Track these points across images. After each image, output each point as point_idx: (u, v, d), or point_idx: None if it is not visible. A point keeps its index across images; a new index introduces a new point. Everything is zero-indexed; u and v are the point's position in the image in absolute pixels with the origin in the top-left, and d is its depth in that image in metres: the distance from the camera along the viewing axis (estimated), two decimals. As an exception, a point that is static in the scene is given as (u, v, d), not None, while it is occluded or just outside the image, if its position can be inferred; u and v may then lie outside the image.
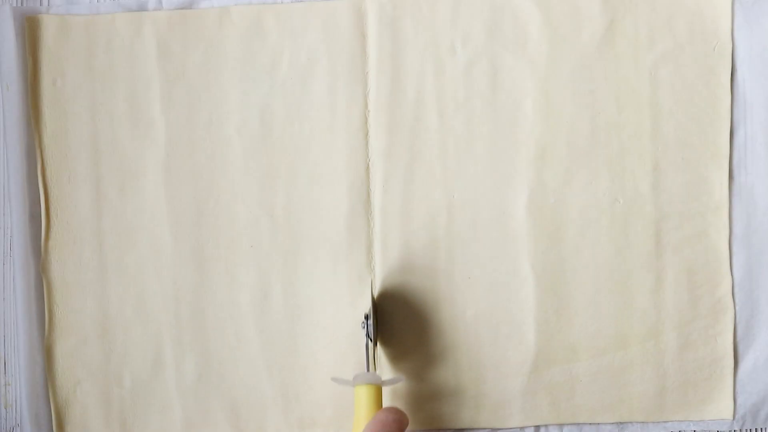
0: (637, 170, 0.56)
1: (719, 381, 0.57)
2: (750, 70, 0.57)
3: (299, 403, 0.57)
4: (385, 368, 0.57)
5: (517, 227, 0.56)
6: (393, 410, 0.50)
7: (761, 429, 0.58)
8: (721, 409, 0.57)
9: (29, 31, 0.57)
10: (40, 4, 0.58)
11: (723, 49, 0.57)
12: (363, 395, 0.52)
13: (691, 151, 0.56)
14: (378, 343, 0.57)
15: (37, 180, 0.57)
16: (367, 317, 0.54)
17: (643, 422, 0.57)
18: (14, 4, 0.58)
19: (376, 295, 0.56)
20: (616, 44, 0.56)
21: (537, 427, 0.57)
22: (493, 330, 0.57)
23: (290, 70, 0.57)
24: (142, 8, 0.57)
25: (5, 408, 0.57)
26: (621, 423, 0.57)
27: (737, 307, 0.57)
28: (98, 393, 0.57)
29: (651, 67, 0.56)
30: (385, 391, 0.56)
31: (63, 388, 0.57)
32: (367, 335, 0.53)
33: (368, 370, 0.53)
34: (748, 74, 0.57)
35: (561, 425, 0.57)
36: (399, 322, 0.57)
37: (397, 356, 0.57)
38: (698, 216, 0.56)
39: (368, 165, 0.57)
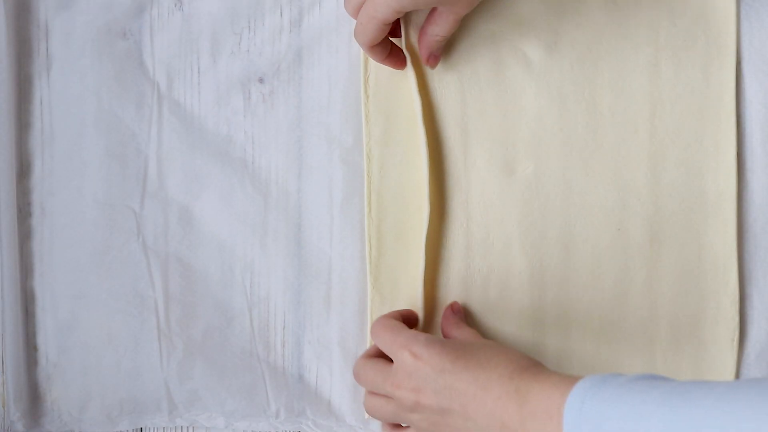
0: (636, 164, 0.56)
1: (716, 377, 0.56)
2: (750, 66, 0.57)
3: None
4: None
5: (508, 213, 0.56)
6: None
7: (750, 425, 0.58)
8: None
9: None
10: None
11: (726, 44, 0.56)
12: None
13: (710, 147, 0.56)
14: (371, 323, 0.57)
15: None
16: None
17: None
18: None
19: (370, 279, 0.57)
20: (643, 34, 0.56)
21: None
22: (500, 309, 0.56)
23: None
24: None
25: (3, 407, 0.57)
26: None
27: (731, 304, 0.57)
28: None
29: (652, 60, 0.56)
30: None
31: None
32: None
33: None
34: (747, 71, 0.57)
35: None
36: (393, 305, 0.57)
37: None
38: (713, 211, 0.56)
39: (366, 151, 0.57)
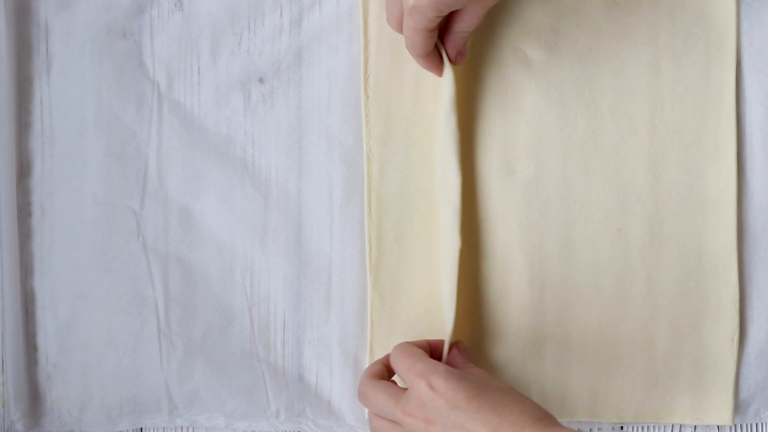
0: (636, 164, 0.56)
1: (716, 377, 0.56)
2: (749, 66, 0.57)
3: None
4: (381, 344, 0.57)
5: (508, 213, 0.56)
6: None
7: (750, 425, 0.58)
8: (720, 405, 0.56)
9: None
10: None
11: (726, 44, 0.56)
12: None
13: (710, 147, 0.56)
14: (374, 323, 0.57)
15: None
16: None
17: (635, 420, 0.57)
18: None
19: (370, 279, 0.56)
20: (643, 33, 0.56)
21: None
22: (501, 310, 0.56)
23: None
24: None
25: (3, 407, 0.57)
26: (613, 422, 0.57)
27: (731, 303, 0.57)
28: None
29: (676, 58, 0.56)
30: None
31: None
32: None
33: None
34: (747, 71, 0.57)
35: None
36: (393, 306, 0.57)
37: (389, 331, 0.56)
38: (712, 211, 0.56)
39: (366, 151, 0.57)
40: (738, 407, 0.57)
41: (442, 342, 0.54)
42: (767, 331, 0.57)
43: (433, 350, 0.53)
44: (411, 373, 0.49)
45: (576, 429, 0.45)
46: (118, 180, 0.58)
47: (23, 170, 0.58)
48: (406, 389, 0.49)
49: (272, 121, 0.58)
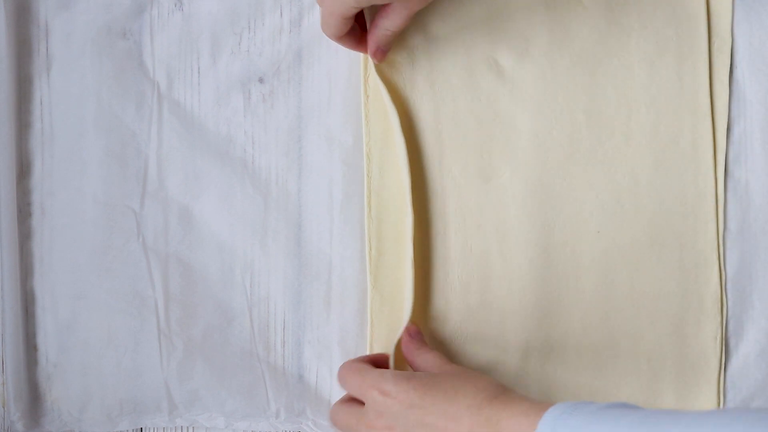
0: (633, 164, 0.56)
1: (700, 376, 0.56)
2: (749, 66, 0.57)
3: None
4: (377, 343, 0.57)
5: (486, 219, 0.56)
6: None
7: (750, 425, 0.58)
8: (704, 403, 0.56)
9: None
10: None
11: (722, 44, 0.57)
12: None
13: (687, 147, 0.56)
14: (374, 323, 0.57)
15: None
16: None
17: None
18: None
19: (370, 279, 0.56)
20: (614, 37, 0.56)
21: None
22: (481, 315, 0.56)
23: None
24: None
25: (3, 407, 0.57)
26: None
27: (729, 303, 0.57)
28: None
29: (649, 60, 0.56)
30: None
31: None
32: None
33: None
34: (747, 71, 0.57)
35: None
36: (393, 306, 0.57)
37: (389, 331, 0.56)
38: (692, 211, 0.56)
39: (366, 151, 0.57)
40: (738, 406, 0.57)
41: (384, 356, 0.55)
42: (767, 331, 0.57)
43: (376, 364, 0.54)
44: (362, 387, 0.50)
45: (538, 401, 0.45)
46: (118, 180, 0.58)
47: (23, 170, 0.58)
48: (364, 404, 0.50)
49: (272, 121, 0.58)
